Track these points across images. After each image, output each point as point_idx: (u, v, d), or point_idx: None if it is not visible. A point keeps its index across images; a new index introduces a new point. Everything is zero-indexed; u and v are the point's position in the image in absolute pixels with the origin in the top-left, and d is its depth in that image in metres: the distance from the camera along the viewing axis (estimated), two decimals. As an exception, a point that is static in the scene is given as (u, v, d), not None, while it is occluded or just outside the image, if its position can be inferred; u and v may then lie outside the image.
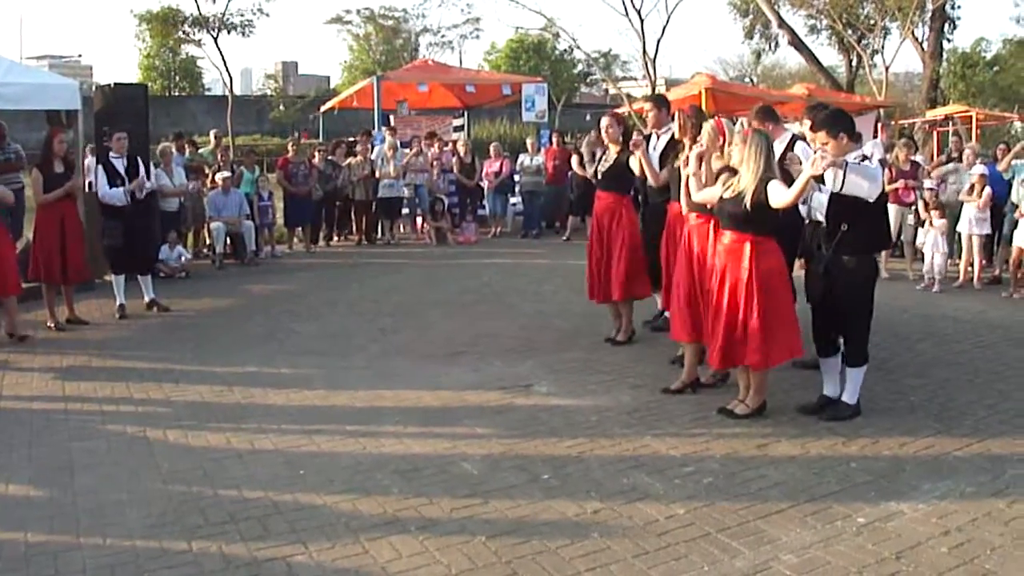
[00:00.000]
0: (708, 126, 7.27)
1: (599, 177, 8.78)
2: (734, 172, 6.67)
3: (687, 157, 7.38)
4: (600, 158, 8.92)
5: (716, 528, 4.89)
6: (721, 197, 6.65)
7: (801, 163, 6.98)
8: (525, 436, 6.35)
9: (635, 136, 8.70)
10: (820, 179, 6.38)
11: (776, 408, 6.85)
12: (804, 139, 7.57)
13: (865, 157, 6.58)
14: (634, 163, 8.40)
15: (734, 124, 7.39)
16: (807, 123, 7.19)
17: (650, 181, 8.42)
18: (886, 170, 13.30)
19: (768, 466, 5.79)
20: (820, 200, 6.59)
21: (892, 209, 13.20)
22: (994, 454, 6.02)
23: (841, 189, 6.32)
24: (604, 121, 8.77)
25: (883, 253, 12.99)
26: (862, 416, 6.71)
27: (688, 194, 7.16)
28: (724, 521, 4.98)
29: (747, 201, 6.37)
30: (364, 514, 5.09)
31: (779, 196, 6.27)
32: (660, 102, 8.97)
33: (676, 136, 8.07)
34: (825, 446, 6.15)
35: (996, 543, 4.72)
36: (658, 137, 8.62)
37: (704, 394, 7.26)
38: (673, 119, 8.31)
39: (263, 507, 5.18)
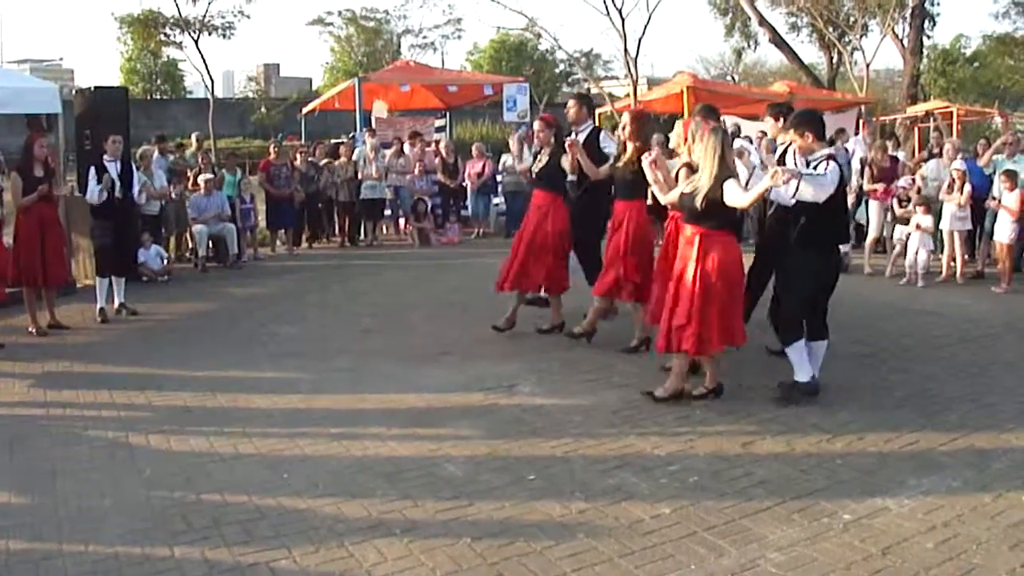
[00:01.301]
0: (678, 126, 7.82)
1: (534, 176, 9.10)
2: (692, 168, 7.17)
3: (631, 160, 8.09)
4: (536, 158, 9.13)
5: (702, 527, 4.89)
6: (682, 193, 6.99)
7: (744, 152, 7.55)
8: (509, 437, 6.33)
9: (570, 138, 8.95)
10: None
11: (760, 406, 6.89)
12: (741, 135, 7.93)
13: (831, 157, 7.00)
14: (565, 162, 8.72)
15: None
16: (769, 120, 7.98)
17: (571, 176, 8.83)
18: (867, 168, 13.40)
19: (753, 464, 5.79)
20: (779, 191, 6.88)
21: (874, 206, 13.31)
22: (979, 448, 6.05)
23: (794, 196, 6.83)
24: (536, 125, 9.19)
25: (867, 250, 13.12)
26: (847, 412, 6.75)
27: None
28: (710, 520, 4.98)
29: (699, 197, 6.72)
30: (348, 517, 5.06)
31: (734, 197, 6.65)
32: (582, 100, 9.47)
33: (621, 139, 8.44)
34: (810, 443, 6.16)
35: (982, 538, 4.74)
36: (576, 133, 9.04)
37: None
38: (593, 118, 9.15)
39: (247, 511, 5.14)
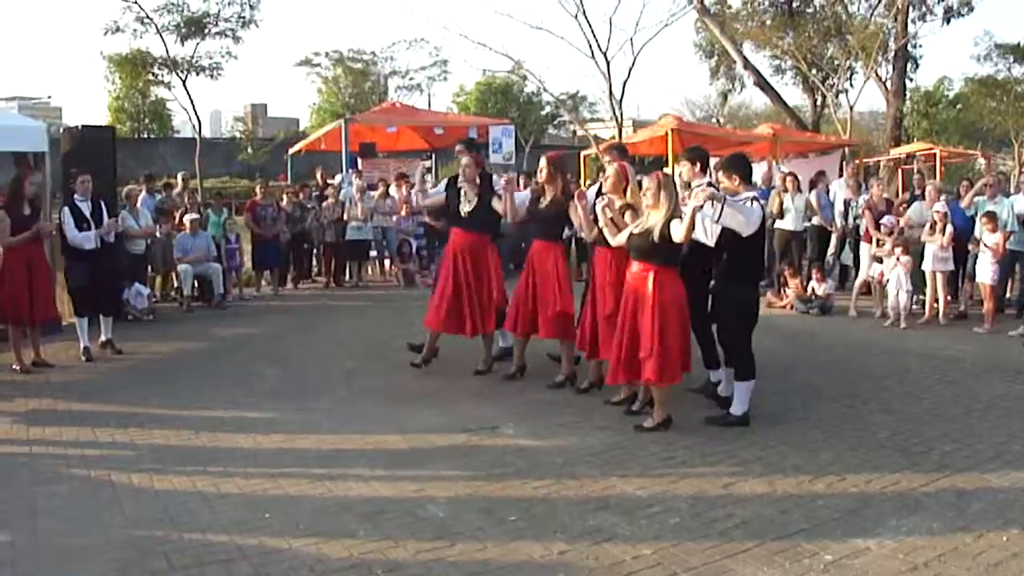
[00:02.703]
0: (612, 170, 8.13)
1: (462, 216, 9.28)
2: (633, 209, 7.72)
3: (553, 202, 8.68)
4: (460, 197, 9.32)
5: (683, 568, 4.89)
6: (632, 233, 7.47)
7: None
8: (491, 478, 6.32)
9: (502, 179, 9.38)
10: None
11: (742, 447, 6.93)
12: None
13: (755, 199, 7.56)
14: (497, 204, 9.10)
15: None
16: (685, 164, 8.41)
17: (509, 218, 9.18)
18: (865, 210, 13.54)
19: (735, 505, 5.80)
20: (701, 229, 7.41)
21: (864, 248, 13.44)
22: (960, 489, 6.08)
23: (718, 220, 7.21)
24: (464, 160, 9.41)
25: (854, 292, 13.23)
26: (829, 452, 6.78)
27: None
28: (690, 561, 4.97)
29: (655, 235, 7.22)
30: (329, 557, 5.04)
31: (676, 231, 7.12)
32: (469, 147, 10.04)
33: (540, 182, 8.91)
34: (792, 484, 6.17)
35: (962, 578, 4.75)
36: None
37: (672, 432, 7.29)
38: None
39: (228, 551, 5.12)
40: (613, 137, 26.66)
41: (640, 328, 7.27)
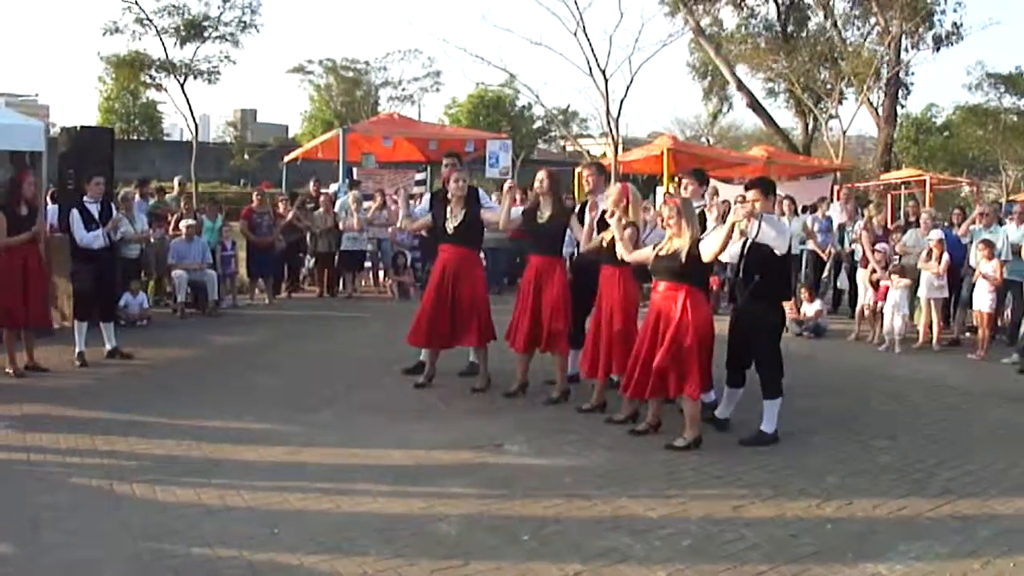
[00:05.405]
0: (614, 190, 8.28)
1: (448, 232, 9.29)
2: (635, 227, 8.03)
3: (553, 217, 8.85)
4: (448, 215, 9.33)
5: (698, 591, 4.87)
6: (658, 255, 7.60)
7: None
8: (501, 496, 6.28)
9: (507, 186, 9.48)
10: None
11: (747, 469, 6.95)
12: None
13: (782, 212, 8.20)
14: (489, 214, 9.34)
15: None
16: (691, 186, 8.86)
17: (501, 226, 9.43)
18: (864, 233, 13.61)
19: (745, 527, 5.80)
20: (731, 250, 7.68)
21: (862, 273, 13.49)
22: (965, 515, 6.13)
23: (756, 236, 7.52)
24: (453, 177, 9.44)
25: (857, 316, 13.28)
26: (835, 477, 6.81)
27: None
28: (706, 584, 4.96)
29: (683, 257, 7.35)
30: (343, 575, 5.00)
31: (708, 249, 7.37)
32: (455, 158, 10.13)
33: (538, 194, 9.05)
34: (800, 508, 6.18)
35: (974, 605, 4.77)
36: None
37: (677, 454, 7.30)
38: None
39: (239, 567, 5.06)
40: (604, 155, 26.70)
41: (672, 346, 7.32)
